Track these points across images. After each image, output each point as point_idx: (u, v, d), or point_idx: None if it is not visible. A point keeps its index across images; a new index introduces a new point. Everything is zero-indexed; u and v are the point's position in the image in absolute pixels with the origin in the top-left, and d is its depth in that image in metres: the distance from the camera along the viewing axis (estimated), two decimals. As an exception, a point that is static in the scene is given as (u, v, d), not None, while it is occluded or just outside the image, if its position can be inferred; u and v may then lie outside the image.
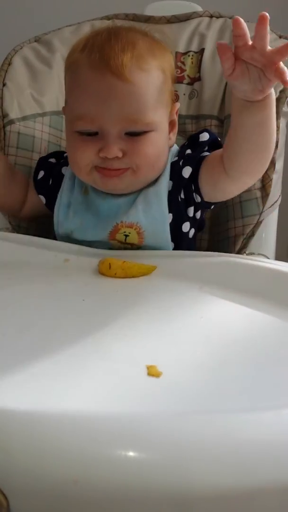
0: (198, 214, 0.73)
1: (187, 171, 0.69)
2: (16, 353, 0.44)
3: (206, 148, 0.71)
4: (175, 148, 0.74)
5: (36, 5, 1.30)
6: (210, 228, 0.86)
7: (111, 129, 0.64)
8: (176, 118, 0.72)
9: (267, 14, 0.51)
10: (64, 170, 0.77)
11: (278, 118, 0.75)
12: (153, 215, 0.69)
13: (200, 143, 0.71)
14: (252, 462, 0.33)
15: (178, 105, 0.73)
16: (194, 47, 0.89)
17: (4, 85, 0.84)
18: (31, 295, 0.57)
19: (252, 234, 0.78)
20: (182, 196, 0.70)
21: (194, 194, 0.70)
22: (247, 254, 0.76)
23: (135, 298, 0.57)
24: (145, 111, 0.64)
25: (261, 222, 0.78)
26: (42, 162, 0.81)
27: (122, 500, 0.32)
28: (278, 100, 0.76)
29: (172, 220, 0.70)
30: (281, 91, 0.76)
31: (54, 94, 0.86)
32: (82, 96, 0.65)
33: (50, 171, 0.79)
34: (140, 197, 0.70)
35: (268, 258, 0.80)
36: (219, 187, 0.69)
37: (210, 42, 0.88)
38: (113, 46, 0.63)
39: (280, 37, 0.87)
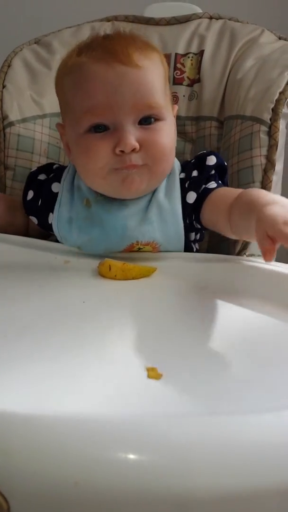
0: (199, 236, 0.72)
1: (191, 197, 0.68)
2: (16, 355, 0.44)
3: (213, 172, 0.69)
4: (177, 162, 0.72)
5: (35, 7, 1.30)
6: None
7: (125, 119, 0.61)
8: (175, 120, 0.71)
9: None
10: (55, 187, 0.73)
11: (278, 119, 0.75)
12: (169, 233, 0.68)
13: (207, 167, 0.69)
14: (253, 464, 0.33)
15: (176, 107, 0.72)
16: (194, 48, 0.89)
17: (4, 87, 0.84)
18: (31, 296, 0.57)
19: (252, 236, 0.78)
20: (187, 221, 0.68)
21: (194, 222, 0.69)
22: (247, 256, 0.75)
23: (135, 300, 0.57)
24: (157, 95, 0.63)
25: (261, 223, 0.78)
26: (31, 180, 0.77)
27: (122, 502, 0.32)
28: (278, 101, 0.75)
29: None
30: (280, 93, 0.76)
31: (54, 96, 0.86)
32: (91, 90, 0.62)
33: (39, 191, 0.75)
34: (152, 211, 0.68)
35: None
36: (219, 230, 0.68)
37: (209, 44, 0.88)
38: (115, 42, 0.63)
39: (279, 38, 0.87)
